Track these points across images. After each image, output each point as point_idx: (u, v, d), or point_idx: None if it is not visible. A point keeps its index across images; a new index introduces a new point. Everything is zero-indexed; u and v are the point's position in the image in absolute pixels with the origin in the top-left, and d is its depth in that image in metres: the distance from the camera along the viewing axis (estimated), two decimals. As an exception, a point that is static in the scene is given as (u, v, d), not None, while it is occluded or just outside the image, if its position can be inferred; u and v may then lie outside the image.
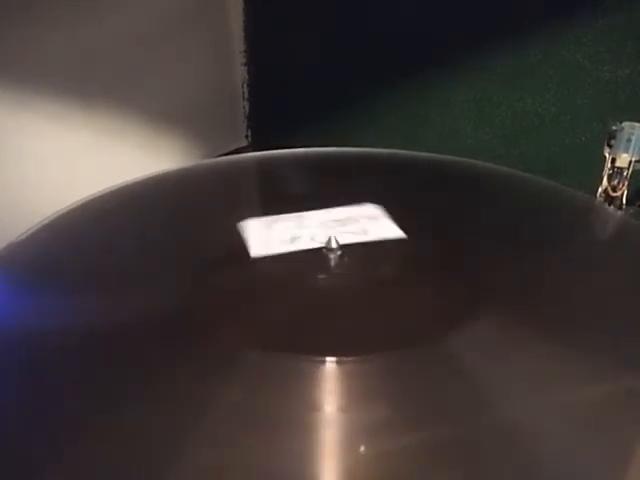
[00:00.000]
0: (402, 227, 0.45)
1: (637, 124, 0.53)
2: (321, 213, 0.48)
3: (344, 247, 0.42)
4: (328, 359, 0.32)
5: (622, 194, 0.54)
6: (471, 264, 0.42)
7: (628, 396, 0.31)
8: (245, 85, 0.96)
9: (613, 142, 0.53)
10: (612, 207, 0.53)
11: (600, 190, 0.54)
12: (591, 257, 0.44)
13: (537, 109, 0.76)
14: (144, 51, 0.78)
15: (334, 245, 0.42)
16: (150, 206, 0.52)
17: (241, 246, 0.44)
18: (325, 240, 0.42)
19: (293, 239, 0.44)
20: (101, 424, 0.29)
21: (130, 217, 0.50)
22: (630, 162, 0.53)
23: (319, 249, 0.42)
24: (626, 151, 0.53)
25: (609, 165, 0.54)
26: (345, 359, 0.32)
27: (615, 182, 0.53)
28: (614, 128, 0.53)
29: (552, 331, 0.36)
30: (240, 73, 0.95)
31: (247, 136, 1.00)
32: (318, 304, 0.38)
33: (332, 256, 0.41)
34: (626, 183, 0.53)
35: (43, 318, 0.37)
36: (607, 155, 0.54)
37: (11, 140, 0.65)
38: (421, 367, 0.32)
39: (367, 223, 0.46)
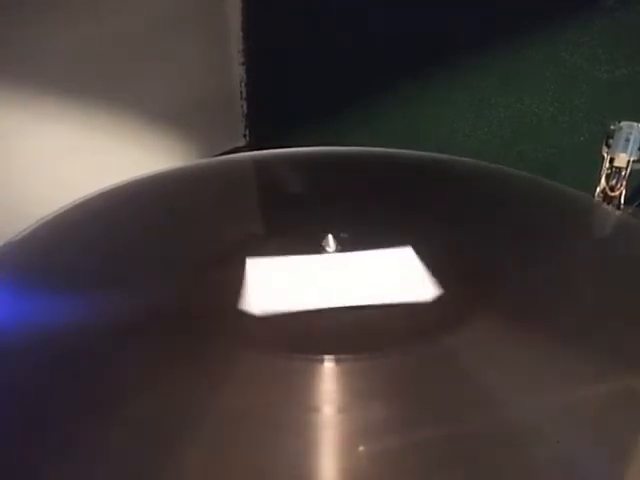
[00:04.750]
0: (402, 226, 0.45)
1: (635, 124, 0.53)
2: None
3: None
4: (327, 357, 0.32)
5: (620, 194, 0.53)
6: (469, 263, 0.42)
7: (629, 396, 0.31)
8: (243, 84, 0.96)
9: (611, 142, 0.53)
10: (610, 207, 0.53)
11: (598, 190, 0.54)
12: (589, 257, 0.44)
13: (535, 109, 0.76)
14: (143, 51, 0.78)
15: (332, 246, 0.42)
16: (148, 205, 0.52)
17: (238, 246, 0.44)
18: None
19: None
20: (99, 423, 0.29)
21: (127, 216, 0.50)
22: (628, 162, 0.53)
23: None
24: (624, 151, 0.52)
25: (607, 165, 0.53)
26: (344, 358, 0.32)
27: (613, 182, 0.53)
28: (612, 128, 0.53)
29: (550, 331, 0.36)
30: (238, 72, 0.95)
31: (245, 135, 0.99)
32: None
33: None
34: (624, 183, 0.53)
35: (40, 317, 0.37)
36: (605, 155, 0.54)
37: (10, 140, 0.65)
38: (421, 367, 0.32)
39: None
